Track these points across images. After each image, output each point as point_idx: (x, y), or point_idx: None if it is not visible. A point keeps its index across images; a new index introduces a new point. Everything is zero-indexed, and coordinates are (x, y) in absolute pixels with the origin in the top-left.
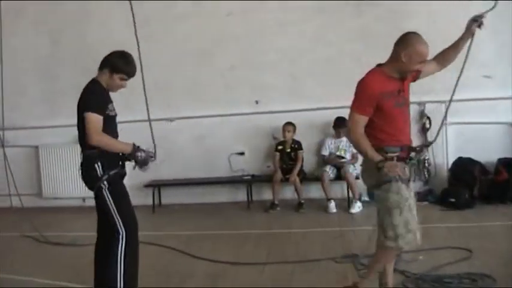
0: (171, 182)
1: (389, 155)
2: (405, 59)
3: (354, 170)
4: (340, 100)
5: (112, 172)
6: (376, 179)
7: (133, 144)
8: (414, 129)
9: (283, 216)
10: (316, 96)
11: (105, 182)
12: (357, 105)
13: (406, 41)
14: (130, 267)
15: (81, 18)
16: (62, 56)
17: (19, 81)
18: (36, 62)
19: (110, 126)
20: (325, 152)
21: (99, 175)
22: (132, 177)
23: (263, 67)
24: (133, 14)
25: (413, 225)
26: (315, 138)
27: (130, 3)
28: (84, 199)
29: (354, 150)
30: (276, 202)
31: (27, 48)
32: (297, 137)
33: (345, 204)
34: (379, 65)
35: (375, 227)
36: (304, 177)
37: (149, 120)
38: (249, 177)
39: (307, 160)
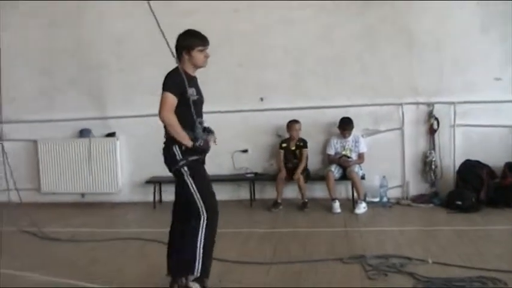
0: (172, 179)
1: None
2: None
3: (360, 170)
4: (344, 99)
5: (191, 158)
6: None
7: (193, 143)
8: (422, 130)
9: (286, 215)
10: (320, 95)
11: (186, 168)
12: None
13: None
14: (208, 250)
15: (77, 10)
16: (59, 49)
17: (15, 74)
18: (31, 55)
19: (190, 109)
20: (331, 151)
21: (178, 159)
22: (133, 173)
23: (268, 65)
24: (154, 15)
25: None
26: (319, 137)
27: (149, 4)
28: (83, 195)
29: (361, 150)
30: (279, 201)
31: (23, 42)
32: (301, 135)
33: (350, 204)
34: None
35: (381, 228)
36: (309, 176)
37: (191, 109)
38: (252, 175)
39: (312, 159)
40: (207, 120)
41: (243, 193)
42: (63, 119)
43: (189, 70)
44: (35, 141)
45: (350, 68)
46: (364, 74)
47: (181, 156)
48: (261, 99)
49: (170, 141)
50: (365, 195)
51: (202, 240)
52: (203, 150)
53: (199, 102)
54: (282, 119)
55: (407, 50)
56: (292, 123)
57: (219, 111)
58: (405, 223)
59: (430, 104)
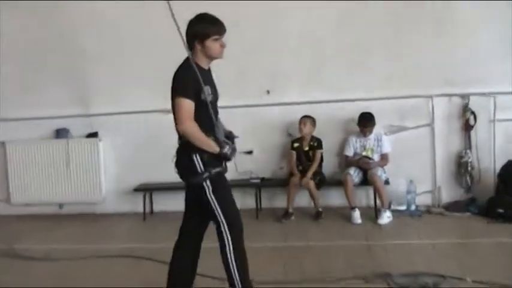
0: (165, 186)
1: None
2: None
3: (383, 173)
4: (365, 92)
5: (215, 170)
6: None
7: (220, 145)
8: (455, 126)
9: (299, 227)
10: (338, 87)
11: (208, 183)
12: None
13: None
14: (243, 269)
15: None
16: (32, 37)
17: None
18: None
19: (207, 111)
20: (349, 152)
21: (199, 171)
22: (119, 179)
23: (279, 52)
24: (173, 14)
25: None
26: (336, 136)
27: (169, 4)
28: (60, 205)
29: (384, 151)
30: (291, 210)
31: None
32: (315, 134)
33: (372, 213)
34: None
35: (409, 241)
36: (323, 181)
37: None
38: (258, 180)
39: (328, 161)
40: None
41: (249, 201)
42: (35, 117)
43: (202, 62)
44: (2, 143)
45: (372, 57)
46: (389, 62)
47: (203, 168)
48: (268, 92)
49: (188, 149)
50: (389, 203)
51: (235, 262)
52: (228, 159)
53: (215, 100)
54: (293, 115)
55: (438, 36)
56: (304, 119)
57: (219, 106)
58: (437, 235)
59: (465, 96)
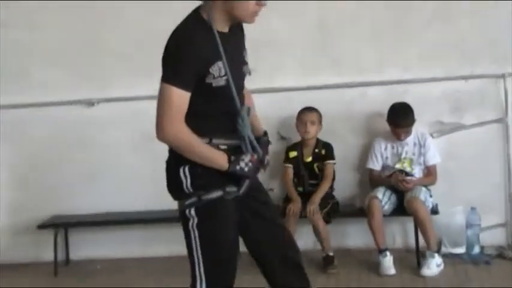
0: (89, 219)
1: None
2: None
3: (429, 196)
4: (399, 71)
5: (210, 195)
6: None
7: (228, 158)
8: None
9: None
10: (356, 64)
11: (193, 211)
12: None
13: None
14: None
15: None
16: None
17: None
18: None
19: (215, 104)
20: (375, 165)
21: (186, 190)
22: (16, 210)
23: (267, 13)
24: None
25: None
26: (354, 140)
27: None
28: None
29: (430, 161)
30: None
31: None
32: (322, 136)
33: (413, 259)
34: None
35: None
36: (335, 211)
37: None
38: None
39: (341, 179)
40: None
41: None
42: None
43: (220, 23)
44: None
45: (411, 17)
46: (436, 26)
47: (190, 188)
48: (248, 73)
49: (175, 157)
50: (439, 243)
51: None
52: (245, 176)
53: (239, 79)
54: (288, 107)
55: None
56: (306, 114)
57: None
58: None
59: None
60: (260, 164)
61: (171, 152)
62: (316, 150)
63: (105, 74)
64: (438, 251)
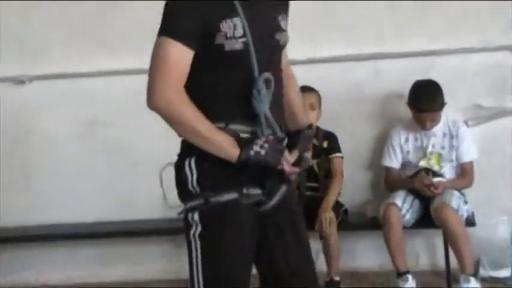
0: (20, 233)
1: None
2: None
3: (463, 204)
4: (426, 40)
5: (219, 198)
6: None
7: (239, 142)
8: None
9: None
10: (369, 32)
11: (196, 216)
12: None
13: None
14: None
15: None
16: None
17: None
18: None
19: (227, 75)
20: (393, 163)
21: (191, 188)
22: None
23: None
24: None
25: None
26: (366, 129)
27: None
28: None
29: (464, 158)
30: None
31: None
32: (324, 124)
33: (441, 283)
34: None
35: None
36: (345, 221)
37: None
38: None
39: (348, 180)
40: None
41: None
42: None
43: None
44: None
45: None
46: None
47: (196, 188)
48: None
49: (183, 148)
50: (477, 264)
51: None
52: (271, 165)
53: (267, 47)
54: None
55: None
56: (302, 95)
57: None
58: None
59: None
60: (297, 162)
61: (183, 141)
62: (318, 143)
63: (38, 45)
64: (475, 274)
